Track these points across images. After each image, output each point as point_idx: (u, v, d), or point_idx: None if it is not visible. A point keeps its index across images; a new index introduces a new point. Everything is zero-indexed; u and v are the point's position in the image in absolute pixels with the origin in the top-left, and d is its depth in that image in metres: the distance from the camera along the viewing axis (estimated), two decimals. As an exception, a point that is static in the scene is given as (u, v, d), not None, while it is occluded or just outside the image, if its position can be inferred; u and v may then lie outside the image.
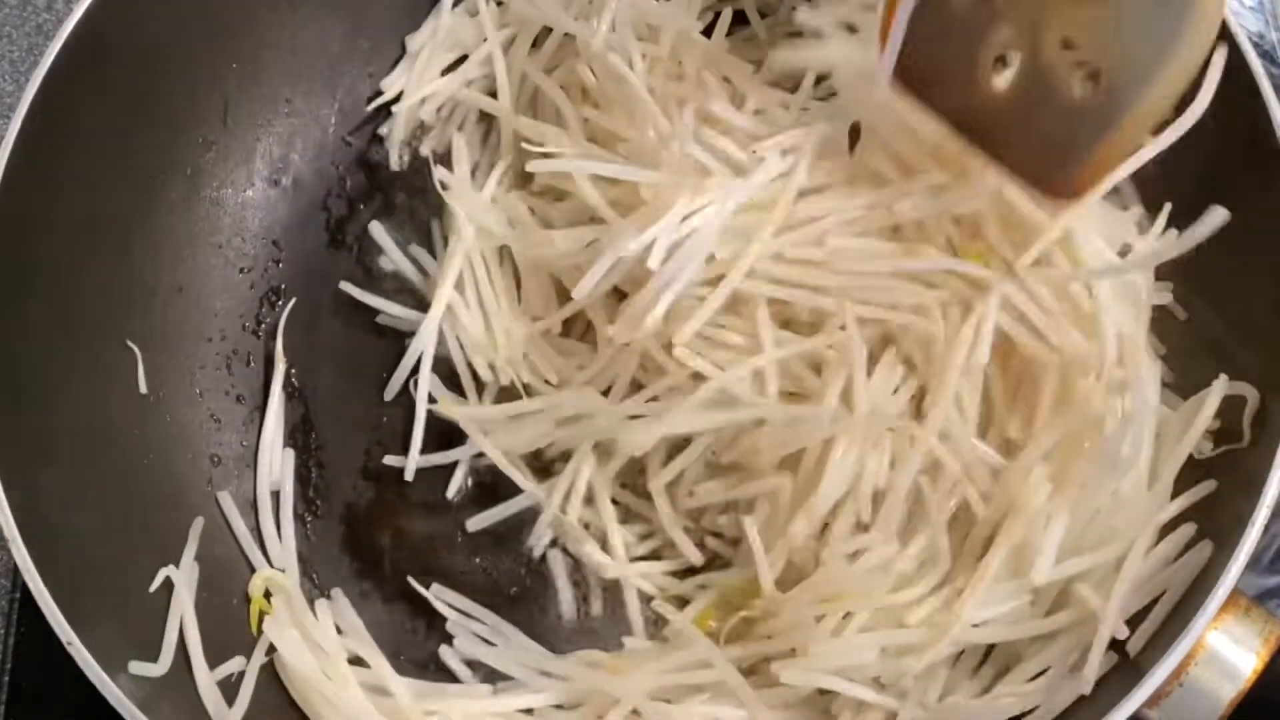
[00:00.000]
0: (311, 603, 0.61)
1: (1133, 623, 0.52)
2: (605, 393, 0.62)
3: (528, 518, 0.64)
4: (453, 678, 0.61)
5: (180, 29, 0.63)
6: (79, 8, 0.58)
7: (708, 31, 0.65)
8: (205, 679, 0.56)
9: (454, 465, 0.65)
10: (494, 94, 0.69)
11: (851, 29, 0.60)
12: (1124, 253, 0.58)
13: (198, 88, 0.66)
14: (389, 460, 0.65)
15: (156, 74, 0.63)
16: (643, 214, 0.57)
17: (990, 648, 0.56)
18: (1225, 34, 0.55)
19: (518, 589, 0.64)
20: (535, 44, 0.69)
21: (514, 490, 0.64)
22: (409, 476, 0.65)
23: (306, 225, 0.71)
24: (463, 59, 0.71)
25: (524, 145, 0.65)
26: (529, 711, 0.59)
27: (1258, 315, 0.55)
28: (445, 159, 0.69)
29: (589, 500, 0.63)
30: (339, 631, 0.60)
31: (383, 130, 0.72)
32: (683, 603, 0.61)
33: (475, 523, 0.64)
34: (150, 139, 0.64)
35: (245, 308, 0.68)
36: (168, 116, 0.64)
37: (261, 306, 0.69)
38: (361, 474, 0.66)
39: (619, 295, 0.62)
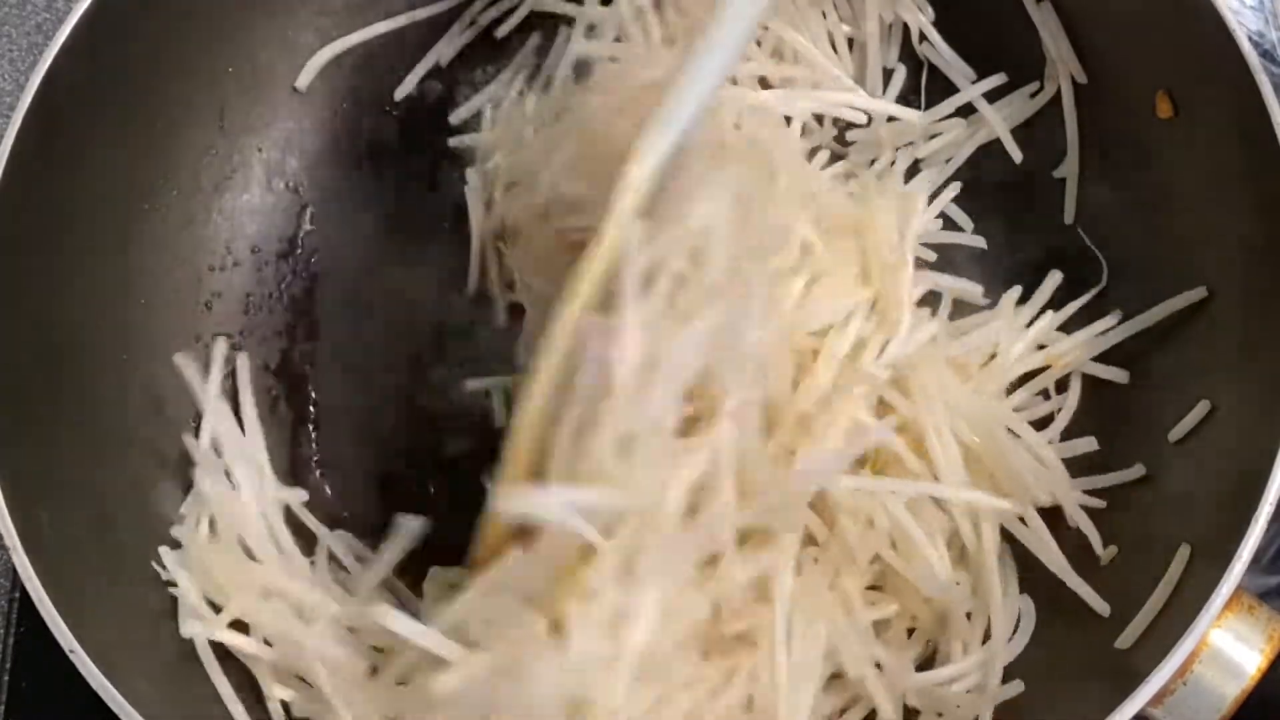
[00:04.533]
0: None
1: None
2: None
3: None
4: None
5: (179, 29, 0.63)
6: (79, 7, 0.57)
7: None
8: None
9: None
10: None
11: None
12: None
13: (195, 89, 0.65)
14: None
15: (156, 74, 0.62)
16: None
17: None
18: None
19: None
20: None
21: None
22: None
23: (304, 230, 0.71)
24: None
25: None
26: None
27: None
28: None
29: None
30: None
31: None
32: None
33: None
34: (149, 140, 0.63)
35: (243, 313, 0.68)
36: (166, 117, 0.64)
37: (259, 313, 0.68)
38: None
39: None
